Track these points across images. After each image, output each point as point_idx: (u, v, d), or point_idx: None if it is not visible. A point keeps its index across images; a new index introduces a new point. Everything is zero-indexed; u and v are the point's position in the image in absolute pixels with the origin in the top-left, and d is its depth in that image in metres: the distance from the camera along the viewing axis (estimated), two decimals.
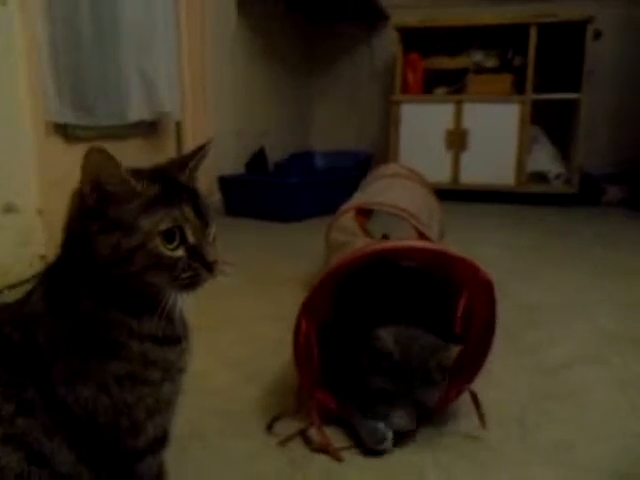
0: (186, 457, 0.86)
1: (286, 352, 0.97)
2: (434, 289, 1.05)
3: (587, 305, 1.58)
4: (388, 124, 3.47)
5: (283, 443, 0.90)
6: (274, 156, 3.32)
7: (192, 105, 2.56)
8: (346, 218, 1.57)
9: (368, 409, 0.92)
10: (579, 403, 1.05)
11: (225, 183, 2.84)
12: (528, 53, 3.11)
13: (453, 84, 3.39)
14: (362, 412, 0.93)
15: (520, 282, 1.76)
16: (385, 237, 1.65)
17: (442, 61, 3.42)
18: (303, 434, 0.92)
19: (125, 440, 0.57)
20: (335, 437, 0.92)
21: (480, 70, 3.32)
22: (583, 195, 3.19)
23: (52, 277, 0.58)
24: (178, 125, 2.45)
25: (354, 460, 0.88)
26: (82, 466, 0.55)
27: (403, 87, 3.41)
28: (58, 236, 0.58)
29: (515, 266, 1.97)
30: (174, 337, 0.59)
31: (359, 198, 1.63)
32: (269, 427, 0.94)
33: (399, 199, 1.42)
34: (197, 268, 0.55)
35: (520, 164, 3.20)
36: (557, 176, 3.25)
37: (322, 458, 0.87)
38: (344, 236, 1.49)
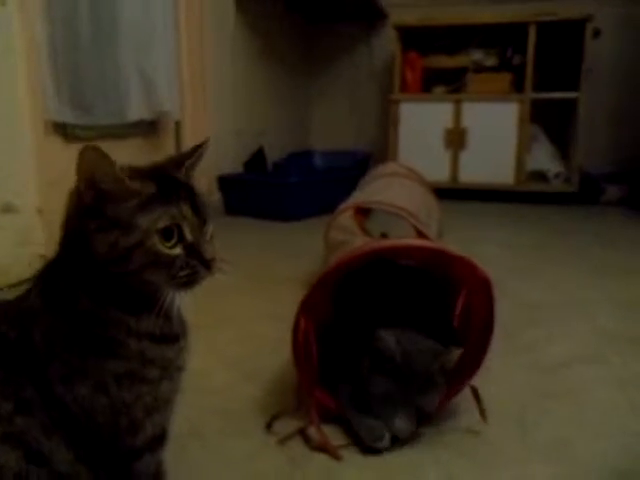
0: (185, 456, 0.86)
1: (285, 351, 0.97)
2: (433, 288, 1.05)
3: (586, 304, 1.58)
4: (387, 123, 3.46)
5: (282, 442, 0.90)
6: (273, 155, 3.32)
7: (191, 104, 2.56)
8: (345, 217, 1.57)
9: (367, 409, 0.92)
10: (578, 401, 1.05)
11: (224, 182, 2.85)
12: (527, 52, 3.11)
13: (452, 83, 3.38)
14: (360, 411, 0.93)
15: (519, 281, 1.76)
16: (384, 236, 1.65)
17: (441, 60, 3.41)
18: (302, 433, 0.92)
19: (123, 438, 0.57)
20: (334, 436, 0.92)
21: (479, 69, 3.32)
22: (582, 194, 3.19)
23: (49, 275, 0.58)
24: (177, 124, 2.45)
25: (353, 458, 0.88)
26: (80, 465, 0.55)
27: (402, 86, 3.41)
28: (57, 235, 0.58)
29: (514, 265, 1.97)
30: (172, 335, 0.59)
31: (358, 197, 1.63)
32: (268, 426, 0.94)
33: (398, 198, 1.42)
34: (195, 266, 0.55)
35: (519, 163, 3.20)
36: (556, 175, 3.24)
37: (321, 457, 0.87)
38: (343, 235, 1.49)
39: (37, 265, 0.60)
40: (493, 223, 2.74)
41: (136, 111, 2.11)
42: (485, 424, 0.93)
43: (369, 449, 0.88)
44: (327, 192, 2.54)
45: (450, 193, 3.07)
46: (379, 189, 1.63)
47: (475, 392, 0.95)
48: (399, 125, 3.37)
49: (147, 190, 0.54)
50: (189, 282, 0.56)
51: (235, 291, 1.62)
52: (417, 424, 0.90)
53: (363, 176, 1.95)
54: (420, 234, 1.25)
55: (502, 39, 3.30)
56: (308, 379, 0.95)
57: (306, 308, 0.93)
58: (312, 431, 0.91)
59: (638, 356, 1.25)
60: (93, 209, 0.54)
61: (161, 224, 0.54)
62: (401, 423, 0.88)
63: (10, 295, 0.60)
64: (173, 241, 0.55)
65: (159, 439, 0.61)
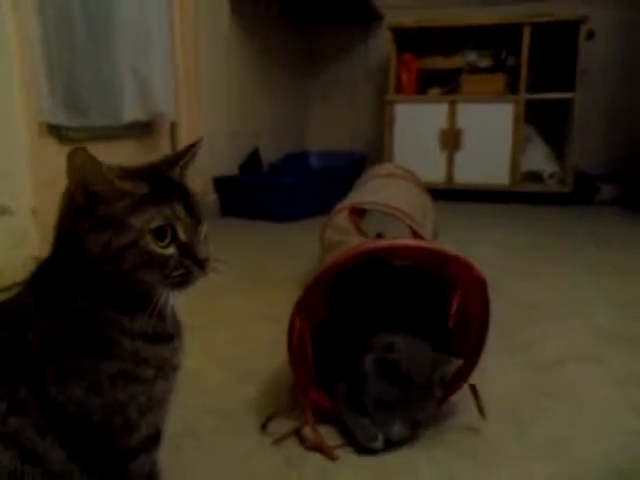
0: (180, 456, 0.86)
1: (280, 352, 0.97)
2: (428, 288, 1.05)
3: (582, 303, 1.58)
4: (382, 124, 3.47)
5: (277, 442, 0.90)
6: (269, 157, 3.32)
7: (187, 106, 2.55)
8: (340, 217, 1.57)
9: (363, 410, 0.92)
10: (575, 400, 1.06)
11: (220, 184, 2.84)
12: (521, 53, 3.12)
13: (447, 84, 3.39)
14: (356, 411, 0.92)
15: (515, 280, 1.77)
16: (379, 236, 1.65)
17: (436, 61, 3.42)
18: (297, 433, 0.92)
19: (118, 439, 0.57)
20: (330, 436, 0.92)
21: (474, 70, 3.33)
22: (577, 194, 3.20)
23: (43, 276, 0.58)
24: (173, 126, 2.45)
25: (349, 459, 0.88)
26: (74, 465, 0.54)
27: (397, 87, 3.41)
28: (51, 237, 0.58)
29: (510, 265, 1.97)
30: (166, 335, 0.59)
31: (353, 198, 1.63)
32: (263, 426, 0.94)
33: (393, 198, 1.42)
34: (189, 266, 0.55)
35: (514, 163, 3.21)
36: (551, 175, 3.25)
37: (317, 457, 0.87)
38: (339, 235, 1.49)
39: (30, 267, 0.60)
40: (488, 224, 2.75)
41: (131, 112, 2.10)
42: (484, 421, 0.94)
43: (364, 449, 0.88)
44: (323, 193, 2.54)
45: (445, 194, 3.07)
46: (375, 190, 1.63)
47: (473, 389, 0.96)
48: (394, 126, 3.37)
49: (139, 190, 0.54)
50: (183, 282, 0.56)
51: (231, 292, 1.62)
52: (412, 430, 0.90)
53: (359, 177, 1.95)
54: (415, 234, 1.25)
55: (497, 40, 3.31)
56: (303, 379, 0.95)
57: (301, 308, 0.93)
58: (307, 431, 0.91)
59: (635, 355, 1.25)
60: (85, 209, 0.54)
61: (154, 224, 0.54)
62: (397, 430, 0.88)
63: (3, 298, 0.59)
64: (166, 241, 0.55)
65: (154, 439, 0.61)
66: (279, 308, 1.11)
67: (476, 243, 2.19)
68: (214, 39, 2.78)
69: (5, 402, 0.52)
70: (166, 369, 0.59)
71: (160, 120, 2.35)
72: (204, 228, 0.58)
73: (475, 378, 0.98)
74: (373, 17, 3.68)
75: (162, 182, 0.57)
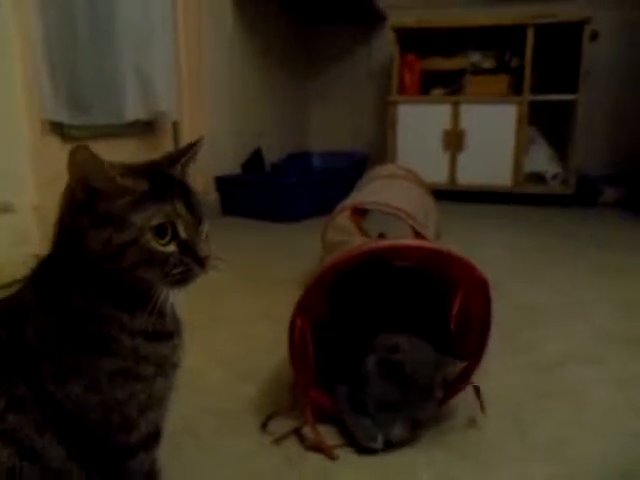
0: (180, 455, 0.86)
1: (281, 351, 0.97)
2: (429, 289, 1.04)
3: (584, 304, 1.57)
4: (385, 125, 3.46)
5: (277, 441, 0.90)
6: (271, 156, 3.32)
7: (189, 105, 2.56)
8: (342, 217, 1.57)
9: (363, 410, 0.91)
10: (576, 401, 1.05)
11: (222, 183, 2.84)
12: (525, 54, 3.11)
13: (450, 85, 3.39)
14: (356, 411, 0.92)
15: (517, 282, 1.76)
16: (381, 236, 1.65)
17: (439, 62, 3.41)
18: (297, 432, 0.92)
19: (117, 436, 0.57)
20: (330, 436, 0.92)
21: (477, 71, 3.32)
22: (580, 196, 3.19)
23: (43, 273, 0.57)
24: (175, 125, 2.45)
25: (349, 458, 0.87)
26: (73, 462, 0.54)
27: (400, 88, 3.41)
28: (52, 234, 0.58)
29: (513, 266, 1.97)
30: (165, 332, 0.59)
31: (355, 198, 1.63)
32: (263, 425, 0.94)
33: (395, 199, 1.42)
34: (189, 263, 0.55)
35: (517, 165, 3.20)
36: (554, 176, 3.25)
37: (317, 456, 0.87)
38: (340, 235, 1.49)
39: (31, 265, 0.59)
40: (491, 225, 2.74)
41: (133, 111, 2.11)
42: (484, 422, 0.94)
43: (364, 449, 0.88)
44: (325, 193, 2.54)
45: (448, 195, 3.07)
46: (377, 190, 1.63)
47: (475, 389, 0.95)
48: (397, 127, 3.37)
49: (140, 187, 0.54)
50: (183, 280, 0.56)
51: (232, 291, 1.62)
52: (412, 431, 0.90)
53: (361, 177, 1.94)
54: (418, 235, 1.25)
55: (500, 41, 3.30)
56: (304, 378, 0.95)
57: (302, 307, 0.92)
58: (307, 431, 0.91)
59: (636, 356, 1.25)
60: (86, 206, 0.54)
61: (155, 221, 0.53)
62: (398, 431, 0.88)
63: (3, 295, 0.59)
64: (167, 238, 0.54)
65: (153, 437, 0.60)
66: (280, 307, 1.11)
67: (479, 244, 2.18)
68: (217, 39, 2.78)
69: (4, 399, 0.52)
70: (166, 367, 0.59)
71: (162, 119, 2.35)
72: (205, 226, 0.58)
73: (476, 378, 0.97)
74: (376, 18, 3.68)
75: (163, 180, 0.57)
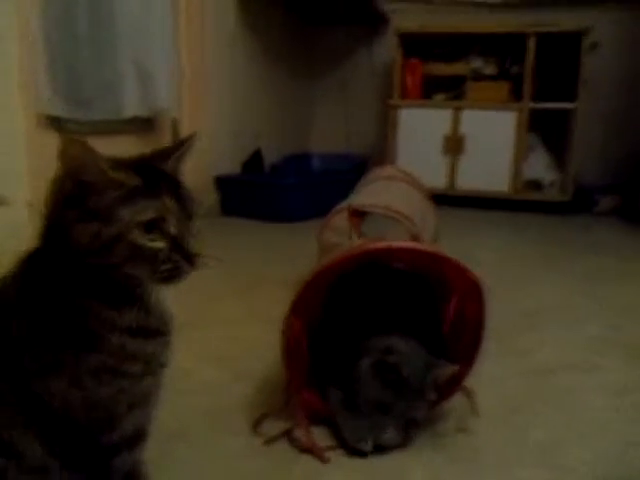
0: (171, 454, 0.85)
1: (274, 352, 0.96)
2: (424, 292, 1.04)
3: (579, 311, 1.57)
4: (385, 128, 3.46)
5: (269, 443, 0.89)
6: (271, 157, 3.31)
7: (189, 103, 2.55)
8: (339, 219, 1.56)
9: (356, 412, 0.91)
10: (570, 407, 1.05)
11: (221, 183, 2.83)
12: (526, 62, 3.12)
13: (451, 90, 3.39)
14: (347, 411, 0.91)
15: (513, 287, 1.76)
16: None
17: (441, 67, 3.42)
18: (289, 434, 0.91)
19: (101, 433, 0.56)
20: (322, 438, 0.91)
21: (478, 77, 3.32)
22: (576, 203, 3.20)
23: (29, 267, 0.56)
24: (175, 123, 2.44)
25: (340, 461, 0.86)
26: (52, 460, 0.53)
27: (402, 92, 3.41)
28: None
29: (509, 271, 1.97)
30: (152, 330, 0.58)
31: (353, 199, 1.62)
32: (255, 426, 0.93)
33: (393, 201, 1.41)
34: (178, 261, 0.54)
35: (516, 171, 3.21)
36: (551, 183, 3.25)
37: (309, 458, 0.86)
38: (337, 237, 1.48)
39: (18, 258, 0.58)
40: (489, 230, 2.74)
41: (132, 107, 2.10)
42: (477, 426, 0.93)
43: (354, 451, 0.87)
44: (324, 194, 2.53)
45: (447, 200, 3.06)
46: (376, 192, 1.62)
47: (469, 392, 0.95)
48: (398, 130, 3.37)
49: (131, 182, 0.53)
50: (171, 277, 0.54)
51: (226, 291, 1.61)
52: (404, 434, 0.89)
53: (360, 179, 1.94)
54: (414, 238, 1.24)
55: (501, 48, 3.31)
56: (297, 378, 0.94)
57: (297, 308, 0.92)
58: (299, 432, 0.90)
59: (630, 362, 1.24)
60: (74, 199, 0.52)
61: (144, 217, 0.52)
62: (389, 435, 0.87)
63: None
64: (156, 234, 0.53)
65: (138, 437, 0.59)
66: (274, 309, 1.09)
67: (476, 249, 2.18)
68: (220, 38, 2.78)
69: None
70: (153, 365, 0.58)
71: (162, 116, 2.34)
72: (196, 223, 0.57)
73: (470, 382, 0.97)
74: (379, 20, 3.68)
75: (154, 175, 0.56)
